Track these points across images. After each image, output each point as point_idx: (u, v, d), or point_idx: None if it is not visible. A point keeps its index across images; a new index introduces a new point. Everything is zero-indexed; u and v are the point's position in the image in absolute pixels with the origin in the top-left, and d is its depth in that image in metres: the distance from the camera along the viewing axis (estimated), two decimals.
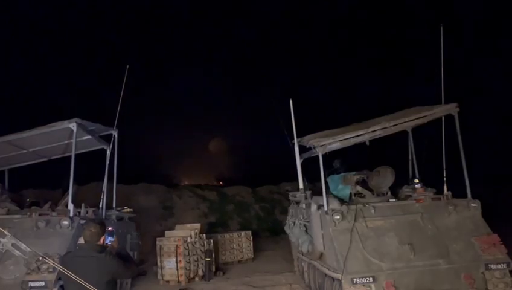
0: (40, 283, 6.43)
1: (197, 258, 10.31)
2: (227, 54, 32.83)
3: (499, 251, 6.37)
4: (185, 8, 33.33)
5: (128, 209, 10.24)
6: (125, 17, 29.59)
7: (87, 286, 3.08)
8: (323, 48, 31.44)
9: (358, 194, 7.68)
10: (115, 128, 9.43)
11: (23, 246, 5.85)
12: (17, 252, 5.99)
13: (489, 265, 6.23)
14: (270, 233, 17.59)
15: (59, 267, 3.32)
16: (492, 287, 6.22)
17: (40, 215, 7.51)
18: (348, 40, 31.42)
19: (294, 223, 8.61)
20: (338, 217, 6.53)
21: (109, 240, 3.53)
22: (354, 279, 5.95)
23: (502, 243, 6.46)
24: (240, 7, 32.08)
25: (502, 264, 6.24)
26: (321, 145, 7.13)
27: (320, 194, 7.04)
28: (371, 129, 7.20)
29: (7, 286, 6.52)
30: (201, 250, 10.52)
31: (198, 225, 11.14)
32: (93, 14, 28.88)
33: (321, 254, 7.10)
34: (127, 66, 9.72)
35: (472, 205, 6.99)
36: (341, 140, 7.20)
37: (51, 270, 6.43)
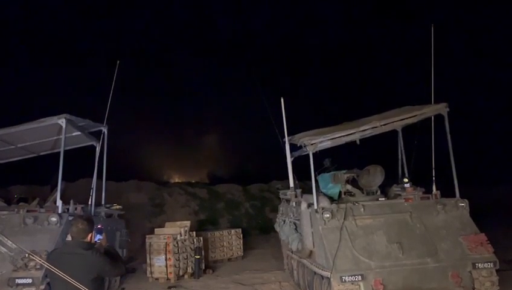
0: (27, 280, 6.36)
1: (187, 256, 10.29)
2: (218, 50, 32.70)
3: (486, 250, 6.41)
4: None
5: (118, 207, 10.17)
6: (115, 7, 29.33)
7: (73, 282, 3.06)
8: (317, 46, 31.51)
9: (348, 193, 7.72)
10: (104, 124, 9.34)
11: (9, 242, 5.81)
12: (2, 249, 5.94)
13: (477, 264, 6.29)
14: (260, 231, 17.63)
15: (45, 264, 3.29)
16: (479, 285, 6.27)
17: (28, 211, 7.41)
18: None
19: (284, 221, 8.62)
20: (328, 215, 6.55)
21: (98, 237, 3.49)
22: (343, 277, 5.98)
23: (489, 242, 6.51)
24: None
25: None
26: (312, 144, 7.14)
27: (311, 192, 7.06)
28: (362, 128, 7.23)
29: None
30: (191, 248, 10.49)
31: (188, 223, 11.11)
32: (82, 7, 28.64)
33: (311, 252, 7.12)
34: (118, 62, 9.63)
35: (460, 204, 7.04)
36: (332, 139, 7.22)
37: (38, 267, 6.37)
